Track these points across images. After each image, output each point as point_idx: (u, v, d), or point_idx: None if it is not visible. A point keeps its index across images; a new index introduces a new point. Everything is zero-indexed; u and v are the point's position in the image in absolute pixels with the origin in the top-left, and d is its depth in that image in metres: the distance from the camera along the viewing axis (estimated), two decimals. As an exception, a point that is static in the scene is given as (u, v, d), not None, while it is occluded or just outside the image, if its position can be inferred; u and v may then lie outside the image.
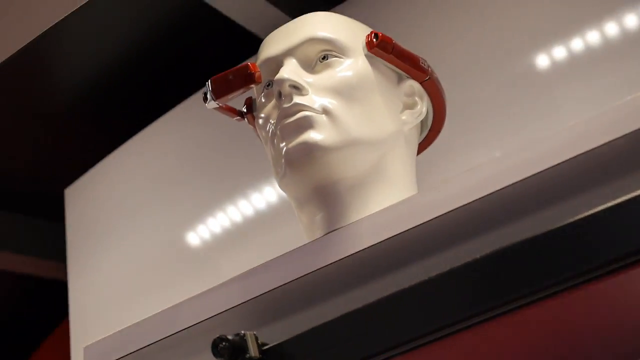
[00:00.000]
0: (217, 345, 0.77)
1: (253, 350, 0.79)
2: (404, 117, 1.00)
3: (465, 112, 1.46)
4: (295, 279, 0.88)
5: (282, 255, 0.90)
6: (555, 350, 0.73)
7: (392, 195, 0.94)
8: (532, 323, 0.75)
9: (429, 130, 1.08)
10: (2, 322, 2.56)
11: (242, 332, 0.79)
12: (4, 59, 1.53)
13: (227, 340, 0.77)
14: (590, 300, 0.72)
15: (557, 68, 1.51)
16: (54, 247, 2.19)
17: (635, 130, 0.73)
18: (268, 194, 1.94)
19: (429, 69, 1.02)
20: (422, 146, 1.10)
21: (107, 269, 2.00)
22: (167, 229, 1.95)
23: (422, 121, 1.07)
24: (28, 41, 1.47)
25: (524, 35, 1.48)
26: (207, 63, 1.94)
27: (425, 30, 1.53)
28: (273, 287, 0.89)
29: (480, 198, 0.81)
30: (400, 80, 1.02)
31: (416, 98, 1.02)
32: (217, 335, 0.79)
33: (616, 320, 0.72)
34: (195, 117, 2.02)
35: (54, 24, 1.41)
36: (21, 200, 2.30)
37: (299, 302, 0.91)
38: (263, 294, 0.90)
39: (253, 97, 1.05)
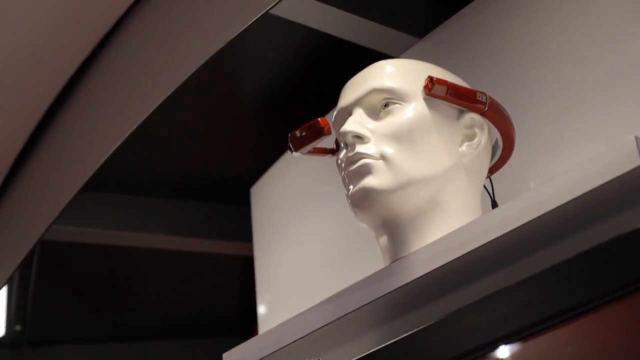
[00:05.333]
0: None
1: (321, 373, 0.97)
2: (462, 149, 1.11)
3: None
4: (362, 306, 1.04)
5: (353, 284, 1.07)
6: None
7: (451, 224, 1.06)
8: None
9: (502, 150, 1.19)
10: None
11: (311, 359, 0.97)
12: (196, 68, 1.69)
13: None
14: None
15: None
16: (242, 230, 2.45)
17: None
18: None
19: (487, 101, 1.12)
20: (498, 165, 1.21)
21: (288, 255, 2.22)
22: (342, 218, 2.10)
23: (493, 145, 1.17)
24: (215, 52, 1.63)
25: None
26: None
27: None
28: (348, 312, 1.06)
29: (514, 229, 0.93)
30: (461, 114, 1.13)
31: (476, 129, 1.12)
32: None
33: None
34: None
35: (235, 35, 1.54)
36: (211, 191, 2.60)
37: (367, 325, 1.08)
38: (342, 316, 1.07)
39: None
